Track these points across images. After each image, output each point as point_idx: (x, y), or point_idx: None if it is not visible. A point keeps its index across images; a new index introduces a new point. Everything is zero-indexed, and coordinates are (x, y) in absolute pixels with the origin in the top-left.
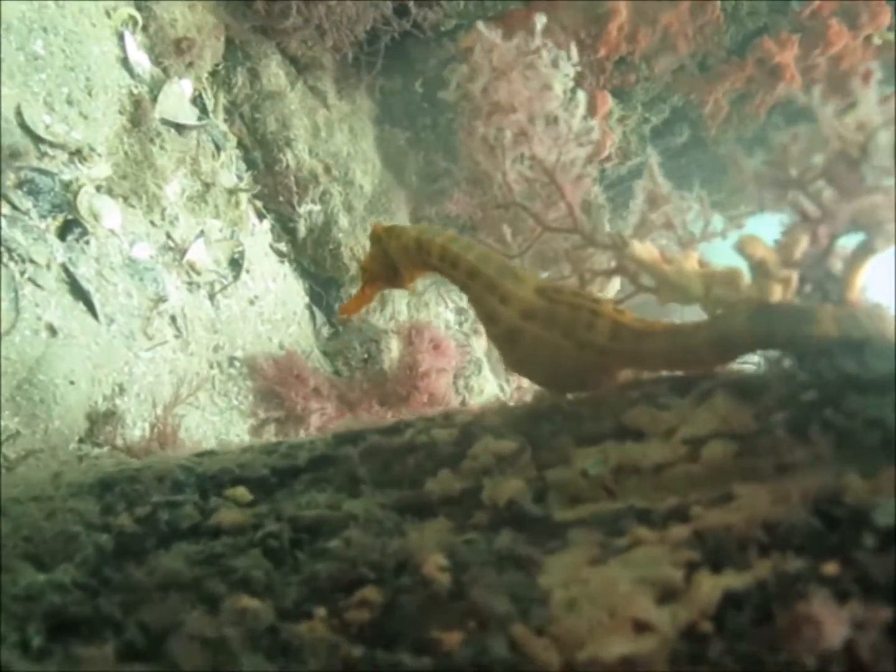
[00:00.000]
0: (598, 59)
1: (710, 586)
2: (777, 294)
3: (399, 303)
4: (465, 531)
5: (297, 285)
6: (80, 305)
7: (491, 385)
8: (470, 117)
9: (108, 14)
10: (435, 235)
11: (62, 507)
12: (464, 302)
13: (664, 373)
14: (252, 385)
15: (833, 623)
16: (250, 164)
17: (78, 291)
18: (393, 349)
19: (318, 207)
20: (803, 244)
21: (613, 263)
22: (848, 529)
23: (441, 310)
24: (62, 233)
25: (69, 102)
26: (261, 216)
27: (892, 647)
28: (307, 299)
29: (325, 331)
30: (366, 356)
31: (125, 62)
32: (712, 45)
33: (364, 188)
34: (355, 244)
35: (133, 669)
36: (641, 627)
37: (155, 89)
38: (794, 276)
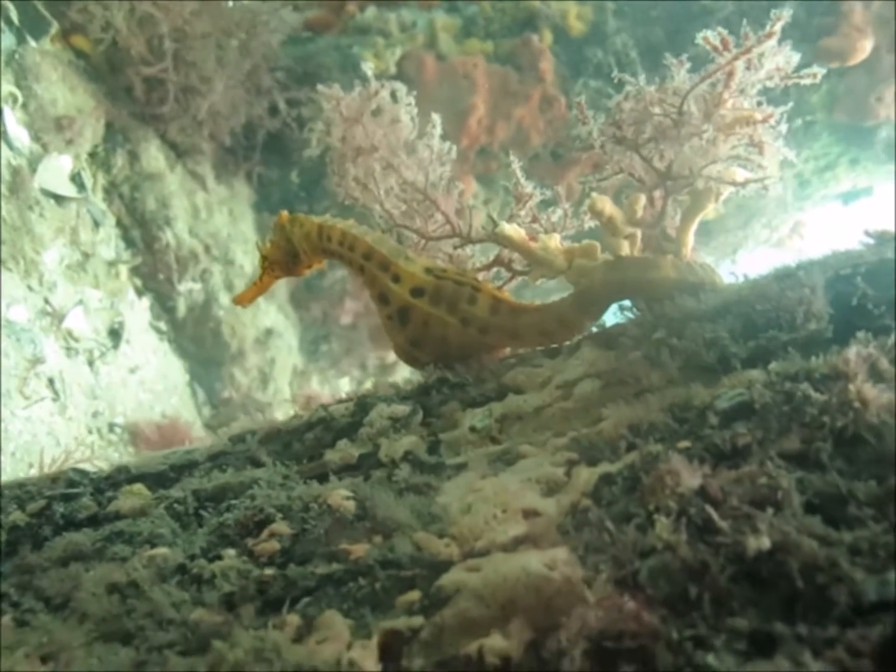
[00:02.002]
0: (462, 148)
1: (588, 474)
2: (625, 249)
3: (281, 381)
4: None
5: (177, 363)
6: None
7: None
8: (338, 163)
9: None
10: (336, 222)
11: None
12: (343, 393)
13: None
14: (134, 451)
15: (688, 472)
16: (129, 242)
17: None
18: None
19: (198, 286)
20: (642, 202)
21: (491, 257)
22: (697, 420)
23: (325, 391)
24: None
25: None
26: (140, 294)
27: (739, 489)
28: (188, 377)
29: (207, 410)
30: None
31: (4, 135)
32: (561, 137)
33: (244, 268)
34: (236, 322)
35: (38, 624)
36: (531, 514)
37: (34, 163)
38: (638, 233)
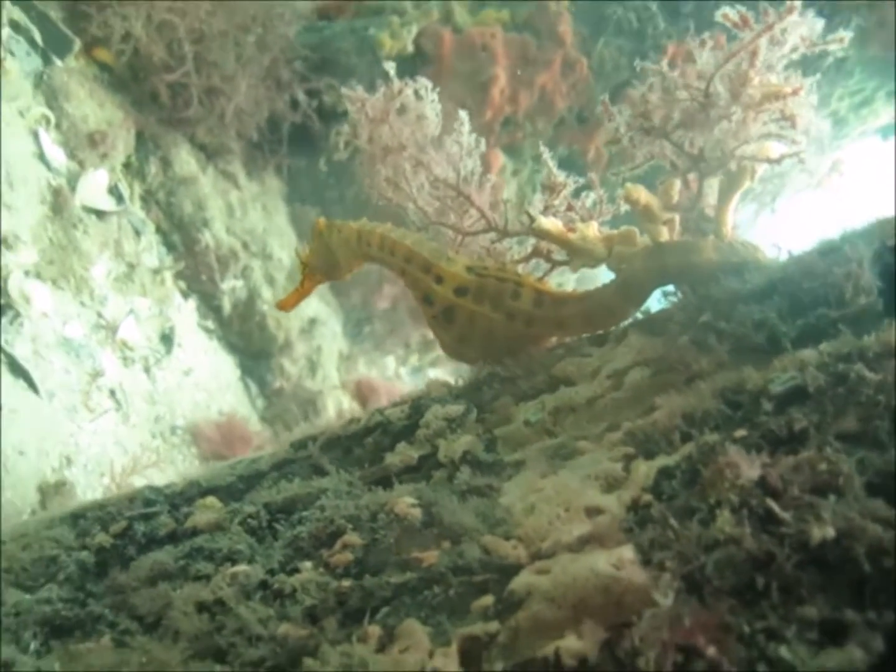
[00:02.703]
0: (486, 121)
1: (647, 468)
2: (664, 235)
3: (328, 367)
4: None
5: (228, 359)
6: (22, 382)
7: None
8: (368, 164)
9: (21, 114)
10: (375, 227)
11: (37, 537)
12: (390, 370)
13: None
14: (197, 451)
15: (747, 464)
16: (170, 247)
17: (18, 370)
18: (329, 408)
19: (240, 283)
20: (677, 187)
21: (529, 249)
22: (751, 406)
23: (373, 373)
24: None
25: None
26: (185, 296)
27: (800, 476)
28: (239, 372)
29: (260, 402)
30: (305, 418)
31: (42, 157)
32: (585, 100)
33: (283, 261)
34: (280, 314)
35: (136, 644)
36: (593, 512)
37: (72, 180)
38: (676, 217)
